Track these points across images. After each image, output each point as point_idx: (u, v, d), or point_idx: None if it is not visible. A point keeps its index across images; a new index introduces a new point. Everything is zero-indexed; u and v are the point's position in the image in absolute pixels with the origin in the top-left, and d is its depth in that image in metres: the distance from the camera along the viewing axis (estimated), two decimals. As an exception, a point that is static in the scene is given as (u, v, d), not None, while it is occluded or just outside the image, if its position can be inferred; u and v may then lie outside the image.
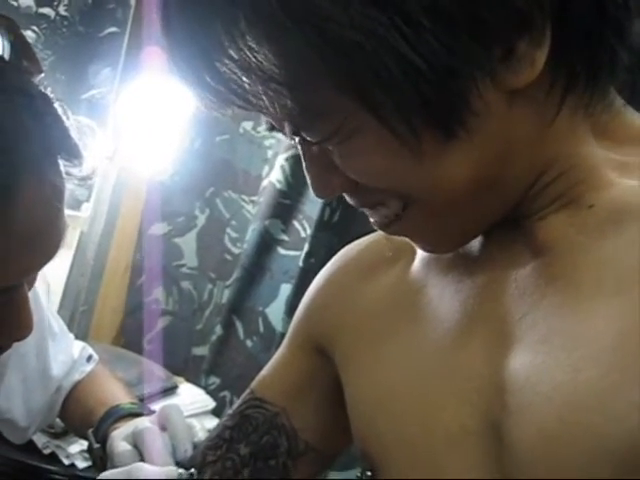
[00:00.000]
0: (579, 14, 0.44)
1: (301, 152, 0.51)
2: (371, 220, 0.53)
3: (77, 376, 0.95)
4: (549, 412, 0.43)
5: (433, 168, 0.46)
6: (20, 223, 0.50)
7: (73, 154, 0.55)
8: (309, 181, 0.51)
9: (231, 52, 0.44)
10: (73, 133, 0.55)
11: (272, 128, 0.50)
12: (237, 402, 0.70)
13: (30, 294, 0.81)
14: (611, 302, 0.44)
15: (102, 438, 0.80)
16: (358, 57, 0.42)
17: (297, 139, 0.50)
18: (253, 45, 0.43)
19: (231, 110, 0.49)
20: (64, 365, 0.94)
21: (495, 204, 0.50)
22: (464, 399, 0.50)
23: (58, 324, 0.95)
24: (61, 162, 0.55)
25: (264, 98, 0.45)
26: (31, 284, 0.60)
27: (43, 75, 0.55)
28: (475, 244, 0.55)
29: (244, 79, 0.44)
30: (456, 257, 0.56)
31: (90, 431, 0.83)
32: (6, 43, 0.54)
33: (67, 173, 0.55)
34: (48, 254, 0.55)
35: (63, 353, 0.94)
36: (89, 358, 0.99)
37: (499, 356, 0.49)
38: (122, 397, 0.89)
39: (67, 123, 0.55)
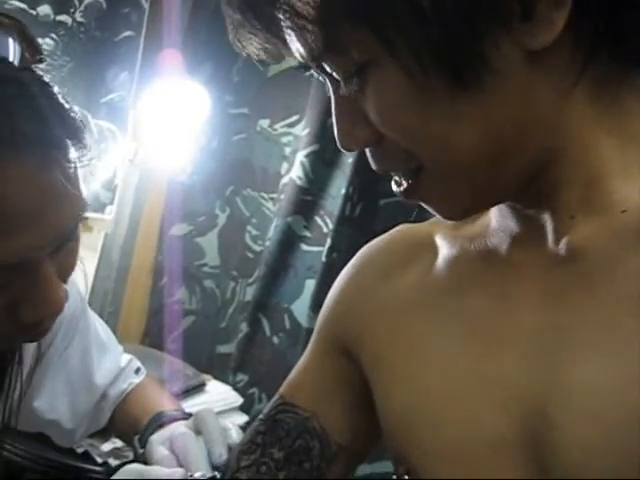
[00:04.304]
0: None
1: (332, 100, 0.52)
2: (393, 188, 0.54)
3: (125, 386, 0.97)
4: (594, 432, 0.43)
5: (446, 123, 0.46)
6: (4, 200, 0.50)
7: (73, 135, 0.56)
8: (336, 132, 0.52)
9: None
10: (72, 114, 0.56)
11: (301, 66, 0.51)
12: (267, 406, 0.71)
13: (77, 298, 0.85)
14: None
15: (146, 444, 0.81)
16: None
17: (327, 81, 0.51)
18: None
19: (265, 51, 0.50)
20: (109, 373, 0.95)
21: (509, 173, 0.49)
22: (502, 408, 0.50)
23: (107, 335, 0.97)
24: (69, 144, 0.55)
25: (291, 33, 0.47)
26: (65, 271, 0.61)
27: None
28: (504, 242, 0.55)
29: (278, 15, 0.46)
30: (485, 255, 0.56)
31: (136, 438, 0.84)
32: (17, 47, 0.55)
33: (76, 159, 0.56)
34: (50, 231, 0.55)
35: (109, 362, 0.96)
36: (137, 370, 1.00)
37: (538, 367, 0.48)
38: (167, 404, 0.90)
39: (66, 105, 0.55)
